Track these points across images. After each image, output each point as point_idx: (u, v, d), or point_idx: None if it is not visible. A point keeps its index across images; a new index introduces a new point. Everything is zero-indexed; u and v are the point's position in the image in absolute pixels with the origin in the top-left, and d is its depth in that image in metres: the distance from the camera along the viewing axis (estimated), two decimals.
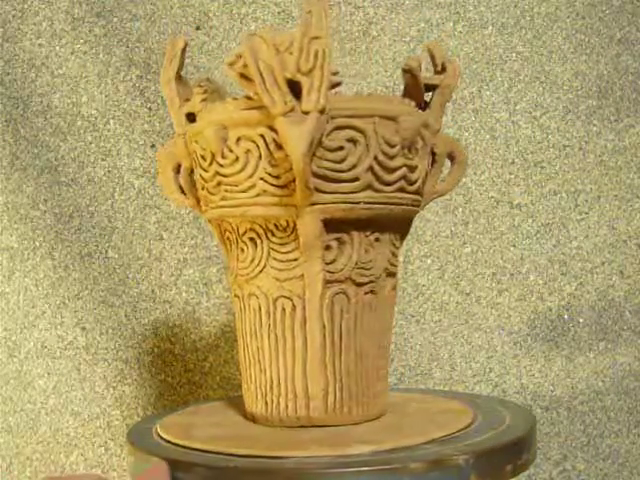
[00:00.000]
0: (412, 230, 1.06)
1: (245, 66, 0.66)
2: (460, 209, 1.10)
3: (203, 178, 0.73)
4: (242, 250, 0.73)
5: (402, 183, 0.70)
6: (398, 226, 0.75)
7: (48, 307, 1.04)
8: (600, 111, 1.12)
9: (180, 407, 0.91)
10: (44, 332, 1.04)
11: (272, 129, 0.66)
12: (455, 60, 0.77)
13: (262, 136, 0.67)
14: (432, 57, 0.77)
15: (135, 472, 0.69)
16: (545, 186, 1.11)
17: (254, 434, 0.71)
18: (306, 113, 0.64)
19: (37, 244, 1.04)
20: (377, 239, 0.72)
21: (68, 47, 1.06)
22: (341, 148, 0.67)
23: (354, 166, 0.68)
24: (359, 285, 0.71)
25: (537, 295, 1.10)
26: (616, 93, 1.12)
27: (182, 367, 1.07)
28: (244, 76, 0.68)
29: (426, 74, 0.76)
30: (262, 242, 0.71)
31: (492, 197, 1.11)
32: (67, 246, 1.05)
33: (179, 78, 0.76)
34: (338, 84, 0.72)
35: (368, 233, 0.71)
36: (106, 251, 1.07)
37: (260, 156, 0.68)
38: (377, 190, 0.69)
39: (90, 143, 1.07)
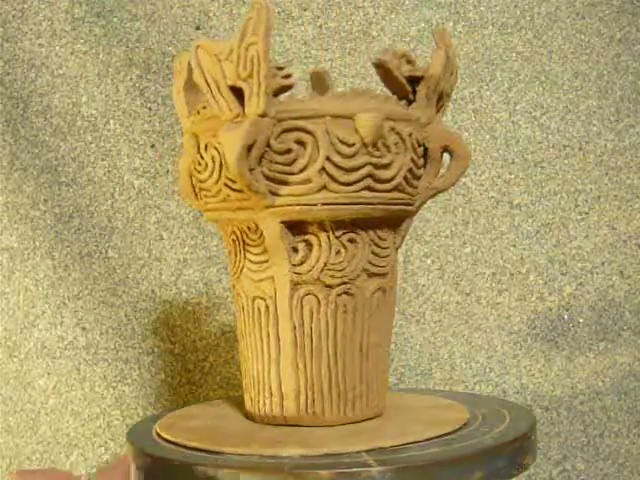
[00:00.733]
0: (412, 230, 1.07)
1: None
2: (460, 209, 1.10)
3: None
4: (230, 251, 0.76)
5: (369, 182, 0.69)
6: (380, 225, 0.73)
7: (48, 307, 1.04)
8: (600, 111, 1.12)
9: (180, 407, 0.91)
10: (44, 332, 1.04)
11: None
12: (442, 49, 0.74)
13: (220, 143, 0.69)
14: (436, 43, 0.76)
15: (100, 469, 0.69)
16: (545, 186, 1.11)
17: (251, 432, 0.72)
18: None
19: (37, 244, 1.04)
20: (351, 240, 0.71)
21: (68, 47, 1.06)
22: (289, 151, 0.68)
23: (304, 168, 0.68)
24: (330, 287, 0.71)
25: (537, 295, 1.10)
26: (616, 93, 1.12)
27: (182, 367, 1.07)
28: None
29: (408, 66, 0.73)
30: (239, 244, 0.74)
31: (492, 197, 1.11)
32: (67, 246, 1.05)
33: (189, 88, 0.76)
34: (290, 87, 0.72)
35: (339, 234, 0.71)
36: (106, 251, 1.07)
37: (221, 163, 0.69)
38: (334, 191, 0.68)
39: (90, 143, 1.07)
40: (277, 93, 0.69)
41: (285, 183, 0.68)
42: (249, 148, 0.66)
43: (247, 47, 0.66)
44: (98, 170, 1.07)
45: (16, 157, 1.05)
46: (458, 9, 1.11)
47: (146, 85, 1.07)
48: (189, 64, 0.77)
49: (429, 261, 1.10)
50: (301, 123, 0.67)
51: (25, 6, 1.06)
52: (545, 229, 1.11)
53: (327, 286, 0.71)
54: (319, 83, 0.81)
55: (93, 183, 1.07)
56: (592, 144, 1.11)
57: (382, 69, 0.73)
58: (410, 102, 0.74)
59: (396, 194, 0.71)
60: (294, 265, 0.70)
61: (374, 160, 0.69)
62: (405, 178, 0.72)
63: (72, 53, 1.07)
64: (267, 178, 0.68)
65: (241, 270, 0.74)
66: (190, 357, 1.08)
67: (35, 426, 1.04)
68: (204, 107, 0.72)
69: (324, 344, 0.71)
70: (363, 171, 0.69)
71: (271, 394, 0.73)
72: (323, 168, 0.68)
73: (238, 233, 0.73)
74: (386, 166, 0.70)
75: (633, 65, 1.12)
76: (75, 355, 1.05)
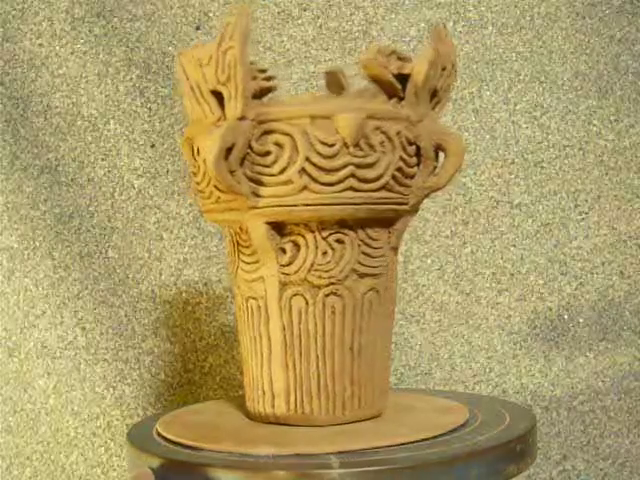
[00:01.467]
0: (412, 230, 1.07)
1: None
2: (460, 209, 1.10)
3: None
4: (228, 252, 0.76)
5: (352, 182, 0.69)
6: (371, 224, 0.72)
7: (48, 307, 1.04)
8: (600, 111, 1.12)
9: (180, 407, 0.91)
10: (44, 332, 1.04)
11: None
12: (430, 45, 0.72)
13: None
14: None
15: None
16: (545, 186, 1.11)
17: (240, 430, 0.73)
18: None
19: (37, 244, 1.04)
20: (339, 240, 0.71)
21: (68, 47, 1.07)
22: (268, 152, 0.68)
23: (284, 169, 0.68)
24: (317, 287, 0.71)
25: (537, 295, 1.10)
26: (616, 93, 1.12)
27: (182, 367, 1.08)
28: None
29: (397, 64, 0.72)
30: (234, 245, 0.74)
31: (492, 197, 1.11)
32: (67, 246, 1.05)
33: None
34: (270, 89, 0.72)
35: (325, 235, 0.70)
36: (106, 251, 1.07)
37: None
38: (317, 191, 0.68)
39: (90, 143, 1.07)
40: (260, 95, 0.70)
41: (267, 184, 0.68)
42: (229, 150, 0.66)
43: (224, 52, 0.66)
44: (98, 170, 1.07)
45: (16, 157, 1.05)
46: (458, 9, 1.11)
47: (146, 85, 1.07)
48: None
49: (429, 261, 1.10)
50: (279, 125, 0.68)
51: (25, 6, 1.06)
52: (545, 229, 1.11)
53: (315, 287, 0.71)
54: (334, 83, 0.80)
55: (93, 183, 1.07)
56: (592, 144, 1.11)
57: (364, 68, 0.73)
58: (401, 100, 0.72)
59: (384, 193, 0.71)
60: (282, 266, 0.71)
61: (357, 160, 0.69)
62: (394, 177, 0.71)
63: (72, 53, 1.07)
64: (250, 180, 0.68)
65: (237, 270, 0.75)
66: (190, 357, 1.08)
67: (35, 426, 1.04)
68: None
69: (312, 345, 0.71)
70: (345, 171, 0.68)
71: (264, 393, 0.73)
72: (303, 169, 0.68)
73: (233, 234, 0.74)
74: (371, 165, 0.69)
75: (633, 65, 1.12)
76: (75, 355, 1.05)
